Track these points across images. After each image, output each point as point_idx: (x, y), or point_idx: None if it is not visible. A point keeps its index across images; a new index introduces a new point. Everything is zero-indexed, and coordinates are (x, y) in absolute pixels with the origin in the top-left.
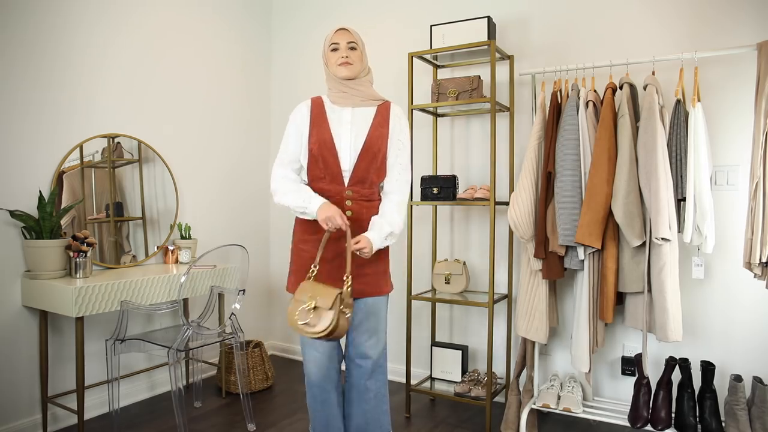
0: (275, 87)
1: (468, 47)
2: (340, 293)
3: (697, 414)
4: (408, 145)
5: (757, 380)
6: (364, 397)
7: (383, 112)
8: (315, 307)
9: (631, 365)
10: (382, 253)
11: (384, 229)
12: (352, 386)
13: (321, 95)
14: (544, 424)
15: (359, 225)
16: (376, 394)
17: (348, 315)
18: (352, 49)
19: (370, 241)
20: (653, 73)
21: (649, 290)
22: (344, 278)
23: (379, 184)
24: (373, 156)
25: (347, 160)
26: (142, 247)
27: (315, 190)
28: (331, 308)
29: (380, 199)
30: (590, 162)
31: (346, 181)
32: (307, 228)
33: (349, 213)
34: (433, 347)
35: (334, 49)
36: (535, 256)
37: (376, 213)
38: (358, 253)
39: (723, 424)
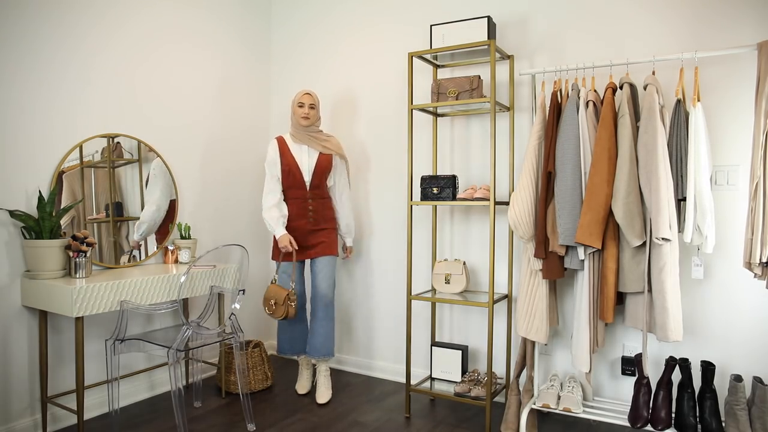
0: (275, 85)
1: (468, 47)
2: (288, 294)
3: (697, 414)
4: (345, 156)
5: (757, 380)
6: (323, 323)
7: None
8: (275, 303)
9: (631, 365)
10: (333, 233)
11: (353, 233)
12: (316, 315)
13: (282, 135)
14: (544, 424)
15: (318, 214)
16: (328, 322)
17: (294, 305)
18: (312, 107)
19: (351, 247)
20: (653, 73)
21: (650, 290)
22: (291, 283)
23: (328, 187)
24: (323, 171)
25: (307, 174)
26: (142, 246)
27: (288, 195)
28: (283, 303)
29: (330, 198)
30: (590, 162)
31: (308, 186)
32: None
33: (311, 208)
34: (433, 347)
35: (300, 106)
36: (535, 256)
37: (330, 208)
38: (351, 256)
39: (723, 424)
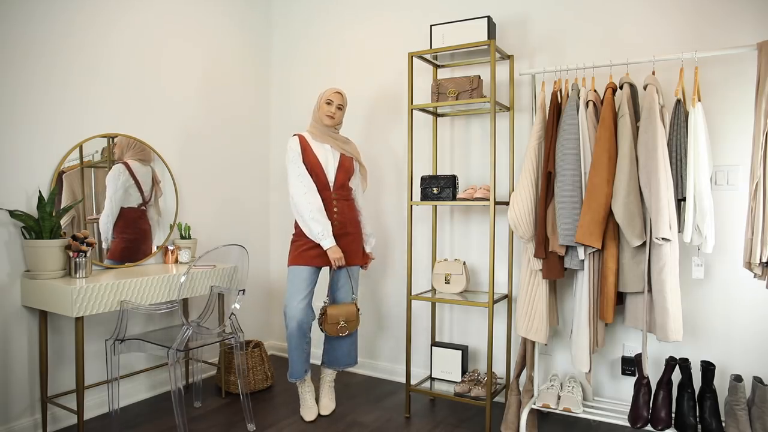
0: (275, 86)
1: (468, 47)
2: (357, 309)
3: (697, 414)
4: (363, 162)
5: (757, 380)
6: (347, 337)
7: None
8: (347, 321)
9: (632, 365)
10: (359, 238)
11: (371, 242)
12: None
13: (302, 133)
14: (544, 424)
15: (344, 216)
16: (351, 333)
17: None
18: (339, 108)
19: (371, 254)
20: (653, 73)
21: (650, 290)
22: (353, 297)
23: (350, 187)
24: (347, 171)
25: (331, 173)
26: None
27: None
28: (356, 318)
29: (353, 199)
30: (590, 162)
31: (332, 187)
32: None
33: (336, 210)
34: (433, 347)
35: (329, 103)
36: (535, 256)
37: (355, 210)
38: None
39: (723, 424)
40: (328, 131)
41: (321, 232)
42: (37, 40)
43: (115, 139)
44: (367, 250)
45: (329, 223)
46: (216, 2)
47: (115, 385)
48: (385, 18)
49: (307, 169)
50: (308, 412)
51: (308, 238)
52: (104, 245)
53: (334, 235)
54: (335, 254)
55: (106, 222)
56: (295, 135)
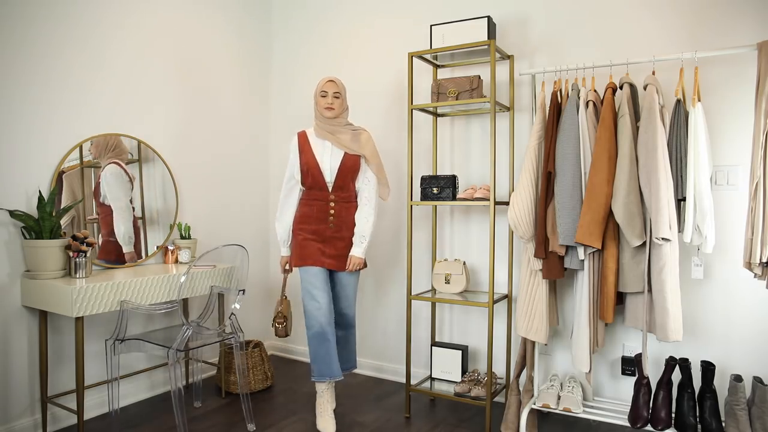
0: (275, 85)
1: (468, 47)
2: (280, 310)
3: (697, 414)
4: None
5: (757, 380)
6: (342, 340)
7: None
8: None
9: (632, 365)
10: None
11: (362, 242)
12: (336, 334)
13: (305, 129)
14: (544, 424)
15: (340, 219)
16: (350, 338)
17: (280, 326)
18: (336, 97)
19: (355, 257)
20: (653, 73)
21: (650, 290)
22: (282, 296)
23: (355, 188)
24: (348, 171)
25: (329, 174)
26: (142, 247)
27: (309, 196)
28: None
29: (356, 201)
30: (590, 162)
31: (330, 188)
32: (302, 218)
33: (332, 212)
34: (433, 347)
35: (323, 95)
36: (535, 256)
37: (353, 213)
38: (351, 268)
39: (723, 424)
40: (329, 126)
41: (278, 238)
42: (39, 40)
43: (92, 141)
44: (352, 251)
45: (285, 234)
46: (217, 7)
47: (115, 385)
48: (385, 18)
49: (303, 168)
50: (328, 425)
51: (305, 229)
52: (126, 249)
53: (329, 237)
54: (280, 261)
55: (129, 226)
56: (297, 133)
